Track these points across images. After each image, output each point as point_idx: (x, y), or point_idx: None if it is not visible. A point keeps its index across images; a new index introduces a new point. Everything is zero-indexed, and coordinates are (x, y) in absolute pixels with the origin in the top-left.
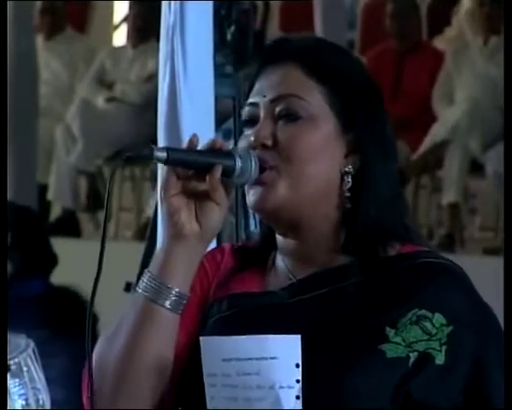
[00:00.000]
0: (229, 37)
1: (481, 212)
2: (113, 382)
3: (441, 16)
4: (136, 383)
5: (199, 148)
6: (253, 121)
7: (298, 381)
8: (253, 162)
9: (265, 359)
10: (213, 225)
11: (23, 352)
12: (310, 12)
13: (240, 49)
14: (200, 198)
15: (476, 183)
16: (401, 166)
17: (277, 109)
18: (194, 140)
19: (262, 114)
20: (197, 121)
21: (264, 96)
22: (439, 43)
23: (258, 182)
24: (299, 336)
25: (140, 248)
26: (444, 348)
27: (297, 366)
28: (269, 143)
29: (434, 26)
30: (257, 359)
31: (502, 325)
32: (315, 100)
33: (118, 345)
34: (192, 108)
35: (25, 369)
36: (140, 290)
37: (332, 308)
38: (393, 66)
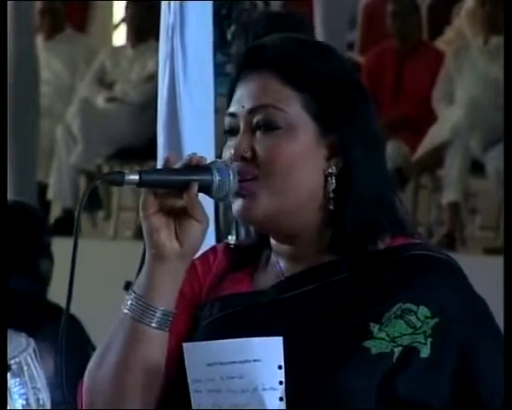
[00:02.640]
0: (229, 36)
1: (482, 211)
2: (105, 397)
3: (441, 16)
4: (130, 397)
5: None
6: (233, 131)
7: (281, 382)
8: (231, 175)
9: (248, 362)
10: (194, 242)
11: (24, 351)
12: (310, 11)
13: (240, 49)
14: (179, 216)
15: (477, 182)
16: (401, 165)
17: (255, 120)
18: (171, 159)
19: (241, 125)
20: (197, 121)
21: (243, 107)
22: (440, 43)
23: (239, 193)
24: (281, 338)
25: (140, 247)
26: (429, 340)
27: (279, 367)
28: (248, 155)
29: (435, 26)
30: (240, 362)
31: (501, 322)
32: (292, 109)
33: (109, 362)
34: (192, 108)
35: (25, 368)
36: (126, 311)
37: (319, 305)
38: (394, 66)
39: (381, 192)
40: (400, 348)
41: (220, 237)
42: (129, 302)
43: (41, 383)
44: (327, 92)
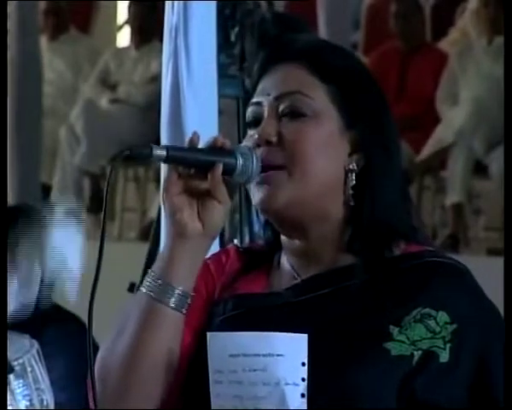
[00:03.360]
0: (233, 37)
1: (485, 212)
2: (118, 382)
3: (445, 17)
4: (143, 381)
5: (200, 146)
6: (256, 121)
7: (303, 379)
8: (255, 161)
9: (272, 356)
10: (216, 223)
11: (27, 352)
12: (314, 12)
13: (243, 50)
14: (202, 197)
15: (480, 183)
16: (405, 166)
17: (281, 107)
18: (194, 138)
19: (266, 112)
20: (201, 122)
21: (268, 95)
22: (443, 43)
23: (264, 181)
24: (305, 336)
25: (144, 248)
26: (448, 345)
27: (303, 364)
28: (273, 139)
29: (438, 27)
30: (264, 355)
31: None
32: (319, 97)
33: (123, 345)
34: (195, 109)
35: (29, 369)
36: (144, 290)
37: (337, 307)
38: (398, 66)
39: (398, 195)
40: (420, 352)
41: (224, 241)
42: (147, 282)
43: (44, 384)
44: (352, 88)
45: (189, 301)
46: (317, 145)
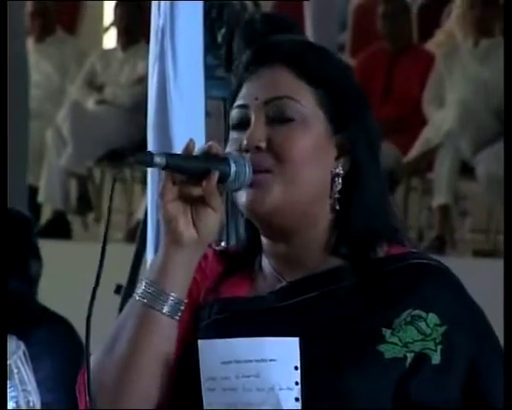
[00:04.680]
0: (220, 39)
1: (472, 214)
2: (115, 387)
3: (432, 18)
4: (140, 386)
5: (194, 153)
6: (243, 124)
7: (297, 383)
8: (247, 167)
9: (265, 361)
10: (210, 230)
11: (13, 354)
12: (300, 13)
13: (231, 51)
14: (196, 204)
15: (467, 185)
16: (392, 168)
17: (270, 112)
18: (190, 145)
19: (253, 116)
20: (187, 124)
21: (256, 99)
22: (430, 45)
23: (252, 185)
24: (297, 339)
25: (130, 250)
26: (439, 347)
27: (296, 368)
28: (263, 145)
29: (425, 28)
30: (256, 361)
31: (498, 325)
32: (307, 102)
33: (118, 352)
34: (182, 110)
35: (15, 371)
36: (137, 297)
37: (326, 310)
38: (384, 68)
39: (382, 198)
40: (412, 354)
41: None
42: (141, 289)
43: (31, 385)
44: (339, 91)
45: (182, 307)
46: (306, 150)
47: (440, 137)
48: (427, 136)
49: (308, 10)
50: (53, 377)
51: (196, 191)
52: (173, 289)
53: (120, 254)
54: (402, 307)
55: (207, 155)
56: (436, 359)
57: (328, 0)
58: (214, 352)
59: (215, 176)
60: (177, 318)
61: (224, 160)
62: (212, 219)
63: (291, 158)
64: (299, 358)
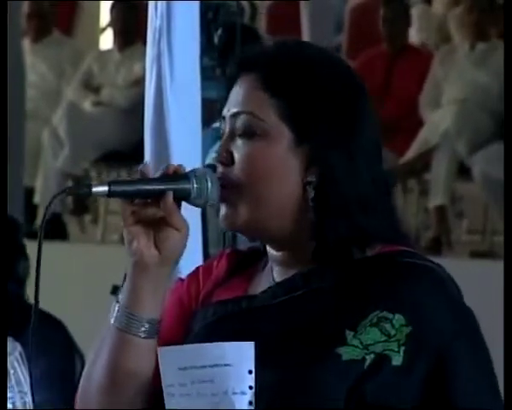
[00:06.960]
0: (216, 40)
1: (468, 215)
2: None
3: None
4: (123, 405)
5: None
6: (220, 136)
7: (251, 387)
8: (209, 182)
9: (219, 366)
10: (173, 249)
11: (10, 355)
12: (297, 14)
13: (227, 52)
14: (158, 224)
15: (463, 186)
16: (388, 169)
17: (236, 125)
18: (144, 170)
19: (226, 130)
20: (184, 124)
21: (229, 111)
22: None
23: (221, 200)
24: (252, 343)
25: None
26: (402, 348)
27: (250, 372)
28: (227, 161)
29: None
30: (211, 366)
31: (490, 326)
32: (270, 117)
33: (96, 376)
34: (179, 111)
35: (11, 372)
36: (113, 321)
37: (303, 311)
38: (383, 69)
39: (366, 200)
40: (372, 356)
41: (207, 245)
42: (115, 313)
43: (27, 386)
44: (303, 101)
45: (158, 326)
46: (267, 167)
47: (437, 139)
48: (424, 138)
49: (304, 11)
50: (47, 377)
51: (157, 213)
52: (145, 311)
53: (117, 256)
54: (372, 309)
55: (165, 175)
56: (397, 360)
57: (324, 1)
58: (173, 358)
59: (170, 196)
60: (155, 336)
61: (185, 177)
62: (175, 238)
63: (252, 176)
64: (253, 362)
